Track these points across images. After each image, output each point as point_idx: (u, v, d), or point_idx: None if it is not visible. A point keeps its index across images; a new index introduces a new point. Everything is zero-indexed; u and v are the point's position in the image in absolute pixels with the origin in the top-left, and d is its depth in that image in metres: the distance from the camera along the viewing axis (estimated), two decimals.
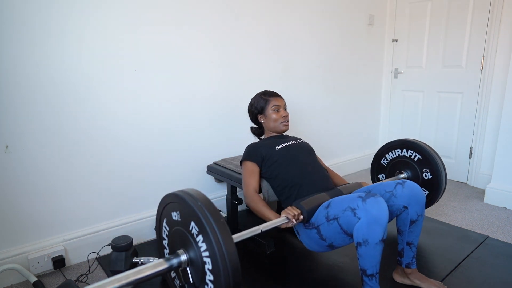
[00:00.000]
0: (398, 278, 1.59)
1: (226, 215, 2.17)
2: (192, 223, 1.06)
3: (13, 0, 1.49)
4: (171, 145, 2.07)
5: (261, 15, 2.36)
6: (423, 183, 1.98)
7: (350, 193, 1.58)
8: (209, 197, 2.29)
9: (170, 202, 1.20)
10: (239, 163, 1.89)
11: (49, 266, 1.71)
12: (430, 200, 1.98)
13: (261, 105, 1.83)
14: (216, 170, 2.13)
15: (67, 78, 1.67)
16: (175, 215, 1.18)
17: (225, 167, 2.08)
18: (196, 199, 1.06)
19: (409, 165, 2.03)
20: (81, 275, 1.69)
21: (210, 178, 2.29)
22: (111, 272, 1.66)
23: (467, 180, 2.96)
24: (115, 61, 1.80)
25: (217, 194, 2.34)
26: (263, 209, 1.55)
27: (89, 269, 1.75)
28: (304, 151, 1.78)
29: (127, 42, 1.82)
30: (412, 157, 2.01)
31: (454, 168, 3.00)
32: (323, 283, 1.62)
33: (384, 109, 3.50)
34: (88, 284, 1.64)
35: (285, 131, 1.85)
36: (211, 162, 2.24)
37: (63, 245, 1.76)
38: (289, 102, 2.64)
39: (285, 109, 1.85)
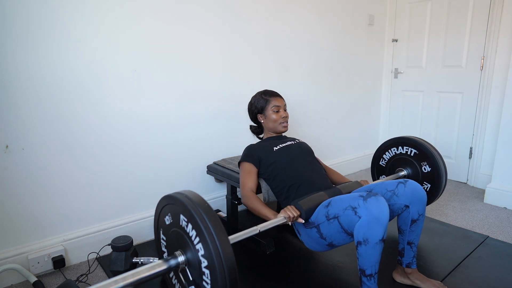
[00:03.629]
0: (398, 278, 1.59)
1: (226, 215, 2.17)
2: (189, 225, 1.07)
3: (15, 1, 1.49)
4: (171, 145, 2.07)
5: (261, 15, 2.36)
6: (423, 177, 1.97)
7: (349, 192, 1.58)
8: (209, 197, 2.31)
9: (166, 204, 1.21)
10: (238, 164, 1.90)
11: (49, 266, 1.71)
12: (434, 194, 1.97)
13: (261, 104, 1.83)
14: (216, 170, 2.13)
15: (67, 78, 1.67)
16: (172, 217, 1.19)
17: (225, 167, 2.08)
18: (191, 199, 1.08)
19: (407, 161, 2.04)
20: (81, 275, 1.69)
21: (210, 178, 2.29)
22: (111, 272, 1.66)
23: (467, 180, 2.95)
24: (115, 61, 1.80)
25: (217, 194, 2.34)
26: (260, 207, 1.54)
27: (89, 269, 1.75)
28: (302, 150, 1.79)
29: (127, 42, 1.82)
30: (409, 152, 2.02)
31: (454, 168, 3.00)
32: (323, 283, 1.62)
33: (384, 109, 3.50)
34: (88, 284, 1.64)
35: (284, 132, 1.86)
36: (211, 162, 2.24)
37: (63, 245, 1.76)
38: (289, 102, 2.64)
39: (285, 109, 1.85)
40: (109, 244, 1.73)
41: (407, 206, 1.46)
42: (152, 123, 1.98)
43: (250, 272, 1.71)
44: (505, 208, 2.46)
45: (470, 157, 2.90)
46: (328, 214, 1.38)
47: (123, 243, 1.68)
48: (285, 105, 1.85)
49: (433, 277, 1.61)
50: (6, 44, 1.50)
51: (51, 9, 1.58)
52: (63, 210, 1.76)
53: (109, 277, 1.69)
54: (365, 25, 3.11)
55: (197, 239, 1.04)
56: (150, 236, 2.06)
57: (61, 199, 1.74)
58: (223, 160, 2.20)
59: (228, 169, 2.05)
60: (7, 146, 1.57)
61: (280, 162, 1.69)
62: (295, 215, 1.41)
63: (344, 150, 3.26)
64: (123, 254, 1.67)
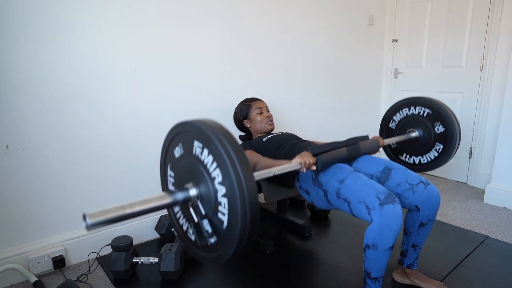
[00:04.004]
0: (398, 278, 1.59)
1: None
2: (205, 150, 0.97)
3: (16, 1, 1.49)
4: None
5: (261, 15, 2.36)
6: (436, 138, 1.90)
7: (369, 153, 1.58)
8: None
9: (178, 133, 1.10)
10: None
11: (49, 266, 1.72)
12: (446, 156, 1.88)
13: (245, 111, 1.98)
14: None
15: (67, 79, 1.67)
16: (184, 147, 1.08)
17: None
18: (208, 123, 0.97)
19: (419, 122, 1.94)
20: (81, 275, 1.69)
21: None
22: (111, 272, 1.66)
23: (467, 180, 2.96)
24: (115, 62, 1.80)
25: None
26: (276, 162, 1.48)
27: (89, 269, 1.75)
28: (290, 135, 1.86)
29: (127, 43, 1.82)
30: (421, 113, 1.93)
31: (454, 168, 3.00)
32: (323, 283, 1.62)
33: (384, 109, 3.50)
34: (88, 284, 1.64)
35: (271, 130, 1.97)
36: None
37: (63, 245, 1.76)
38: (289, 101, 2.64)
39: (267, 110, 2.00)
40: (109, 244, 1.73)
41: (417, 208, 1.43)
42: (152, 124, 1.98)
43: (250, 272, 1.71)
44: (505, 208, 2.46)
45: (470, 157, 2.90)
46: (339, 192, 1.35)
47: (123, 243, 1.68)
48: (266, 106, 2.01)
49: (433, 277, 1.60)
50: (7, 44, 1.50)
51: (53, 10, 1.58)
52: (63, 210, 1.76)
53: (109, 277, 1.69)
54: (365, 25, 3.11)
55: (214, 164, 0.93)
56: (150, 236, 2.06)
57: (61, 199, 1.74)
58: None
59: None
60: (7, 146, 1.57)
61: (271, 144, 1.76)
62: (311, 161, 1.34)
63: None
64: (123, 254, 1.66)
